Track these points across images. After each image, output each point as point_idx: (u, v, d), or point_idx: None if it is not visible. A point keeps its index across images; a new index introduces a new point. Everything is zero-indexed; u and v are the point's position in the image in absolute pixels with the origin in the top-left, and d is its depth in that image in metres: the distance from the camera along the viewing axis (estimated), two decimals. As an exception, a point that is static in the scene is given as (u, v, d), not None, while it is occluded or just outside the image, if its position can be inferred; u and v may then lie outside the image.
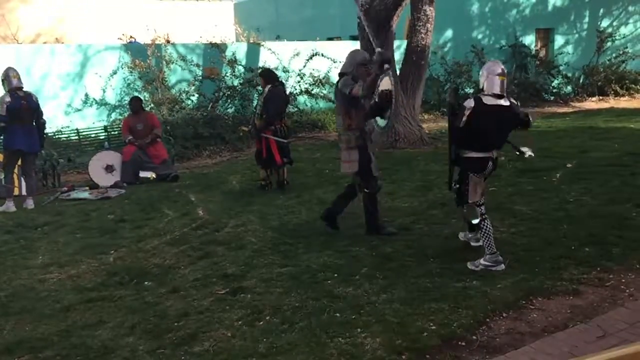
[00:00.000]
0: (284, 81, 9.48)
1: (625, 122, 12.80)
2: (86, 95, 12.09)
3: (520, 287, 4.44)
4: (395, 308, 4.18)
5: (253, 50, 14.42)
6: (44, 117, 8.17)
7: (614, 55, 18.87)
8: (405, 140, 11.17)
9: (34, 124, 7.84)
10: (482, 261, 4.87)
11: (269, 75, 8.49)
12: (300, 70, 13.68)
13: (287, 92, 8.17)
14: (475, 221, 4.93)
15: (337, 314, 4.13)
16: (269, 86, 8.12)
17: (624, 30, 19.60)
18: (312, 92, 13.94)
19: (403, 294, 4.41)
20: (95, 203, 7.99)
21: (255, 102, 8.51)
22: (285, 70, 13.52)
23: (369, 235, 5.83)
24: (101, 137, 10.51)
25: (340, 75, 5.81)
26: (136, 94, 11.71)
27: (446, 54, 16.63)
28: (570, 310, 4.09)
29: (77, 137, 10.39)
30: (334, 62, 13.27)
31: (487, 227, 4.91)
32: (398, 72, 11.81)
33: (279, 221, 6.60)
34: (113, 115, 12.34)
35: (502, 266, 4.83)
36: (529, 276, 4.64)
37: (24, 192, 8.09)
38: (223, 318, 4.18)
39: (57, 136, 10.34)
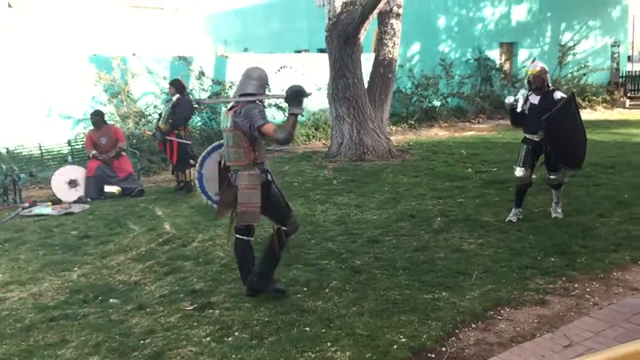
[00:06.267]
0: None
1: (588, 134, 13.03)
2: (49, 108, 11.83)
3: (488, 298, 4.48)
4: (364, 321, 4.17)
5: (220, 63, 14.36)
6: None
7: (575, 68, 19.36)
8: (373, 153, 11.24)
9: None
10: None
11: (179, 85, 9.20)
12: (268, 84, 13.60)
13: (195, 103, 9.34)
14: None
15: (307, 328, 4.10)
16: (178, 95, 9.02)
17: (584, 44, 20.16)
18: (281, 105, 13.90)
19: (372, 307, 4.41)
20: (58, 219, 7.79)
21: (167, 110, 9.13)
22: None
23: (250, 292, 4.70)
24: (64, 152, 10.27)
25: (245, 95, 4.73)
26: (101, 107, 11.49)
27: (413, 67, 16.83)
28: (537, 320, 4.15)
29: (39, 151, 10.15)
30: (303, 75, 13.26)
31: None
32: (366, 85, 11.91)
33: (248, 235, 6.52)
34: (77, 129, 12.09)
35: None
36: (497, 286, 4.69)
37: None
38: (191, 335, 4.11)
39: (18, 150, 10.09)
